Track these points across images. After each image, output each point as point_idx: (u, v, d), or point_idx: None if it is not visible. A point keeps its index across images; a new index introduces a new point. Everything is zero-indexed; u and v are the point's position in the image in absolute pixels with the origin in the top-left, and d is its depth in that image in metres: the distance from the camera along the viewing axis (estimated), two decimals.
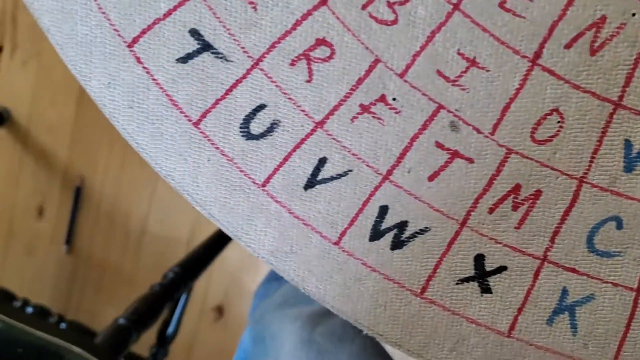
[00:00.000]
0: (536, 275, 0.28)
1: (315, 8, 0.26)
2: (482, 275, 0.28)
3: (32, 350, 0.68)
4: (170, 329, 0.99)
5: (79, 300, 1.20)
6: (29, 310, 0.94)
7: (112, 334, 0.79)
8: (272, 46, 0.26)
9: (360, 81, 0.26)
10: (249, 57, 0.26)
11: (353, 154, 0.27)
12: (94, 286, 1.19)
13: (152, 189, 1.12)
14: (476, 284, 0.28)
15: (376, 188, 0.27)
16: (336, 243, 0.28)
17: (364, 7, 0.26)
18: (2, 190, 1.17)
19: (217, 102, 0.27)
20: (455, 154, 0.26)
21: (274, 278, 0.78)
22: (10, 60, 1.11)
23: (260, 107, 0.27)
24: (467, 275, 0.28)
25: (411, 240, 0.27)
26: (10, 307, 0.67)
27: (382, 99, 0.26)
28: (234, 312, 1.17)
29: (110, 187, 1.13)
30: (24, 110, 1.13)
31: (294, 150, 0.27)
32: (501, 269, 0.28)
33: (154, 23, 0.26)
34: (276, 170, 0.27)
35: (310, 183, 0.27)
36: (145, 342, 0.85)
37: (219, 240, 1.07)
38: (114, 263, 1.17)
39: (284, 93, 0.27)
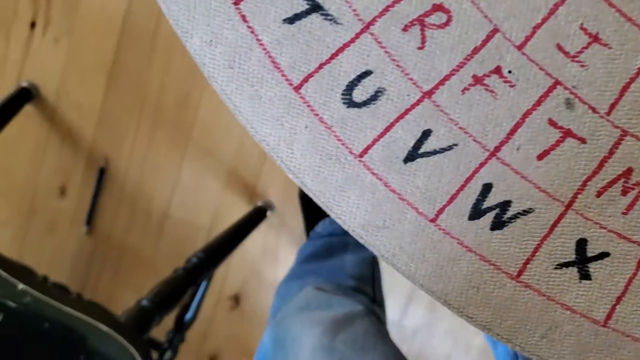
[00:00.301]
0: None
1: None
2: (582, 260, 0.27)
3: (58, 326, 0.67)
4: (188, 315, 0.98)
5: (97, 281, 1.19)
6: None
7: (135, 315, 0.78)
8: (386, 9, 0.25)
9: (475, 51, 0.25)
10: (360, 20, 0.25)
11: (460, 128, 0.26)
12: (112, 268, 1.18)
13: (177, 174, 1.11)
14: (575, 269, 0.27)
15: (481, 165, 0.26)
16: (432, 220, 0.27)
17: None
18: (26, 167, 1.16)
19: (320, 66, 0.26)
20: (567, 133, 0.25)
21: (296, 276, 0.77)
22: (42, 37, 1.10)
23: (366, 74, 0.26)
24: (567, 260, 0.27)
25: (513, 221, 0.26)
26: (37, 280, 0.66)
27: (497, 70, 0.25)
28: (250, 302, 1.16)
29: (134, 169, 1.13)
30: (53, 88, 1.12)
31: (397, 120, 0.26)
32: (603, 255, 0.27)
33: None
34: (376, 140, 0.27)
35: (411, 156, 0.27)
36: (161, 328, 0.85)
37: (243, 228, 1.06)
38: (134, 246, 1.16)
39: (393, 60, 0.26)
